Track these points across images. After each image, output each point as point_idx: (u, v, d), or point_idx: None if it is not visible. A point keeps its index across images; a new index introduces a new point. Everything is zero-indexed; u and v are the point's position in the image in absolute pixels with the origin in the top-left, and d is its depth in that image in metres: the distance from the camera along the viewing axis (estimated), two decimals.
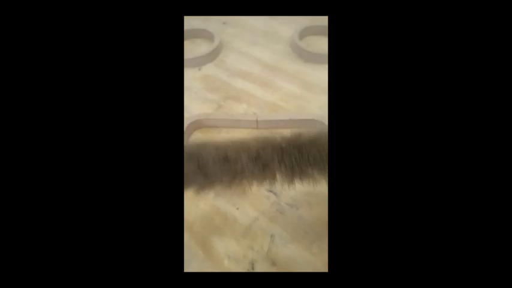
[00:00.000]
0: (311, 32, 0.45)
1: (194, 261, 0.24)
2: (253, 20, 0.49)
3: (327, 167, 0.17)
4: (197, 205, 0.27)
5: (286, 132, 0.18)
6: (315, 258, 0.23)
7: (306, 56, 0.40)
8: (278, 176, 0.18)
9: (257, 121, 0.32)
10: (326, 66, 0.40)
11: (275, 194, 0.27)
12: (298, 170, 0.17)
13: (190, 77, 0.39)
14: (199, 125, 0.32)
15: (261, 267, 0.23)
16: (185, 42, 0.46)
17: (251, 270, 0.23)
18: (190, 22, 0.49)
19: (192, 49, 0.44)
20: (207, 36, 0.45)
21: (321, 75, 0.39)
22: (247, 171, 0.17)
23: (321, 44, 0.44)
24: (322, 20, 0.46)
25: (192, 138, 0.32)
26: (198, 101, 0.36)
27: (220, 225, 0.26)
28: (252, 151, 0.17)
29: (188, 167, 0.17)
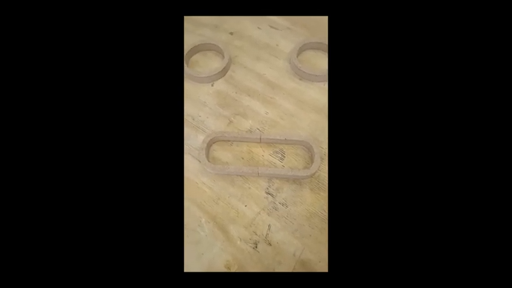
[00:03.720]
0: (309, 47, 0.52)
1: (218, 242, 0.36)
2: (257, 31, 0.55)
3: None
4: (217, 203, 0.39)
5: None
6: (296, 241, 0.36)
7: (301, 74, 0.48)
8: None
9: (260, 138, 0.42)
10: (318, 85, 0.48)
11: (272, 195, 0.39)
12: None
13: (205, 92, 0.48)
14: (216, 139, 0.42)
15: (261, 247, 0.35)
16: (197, 55, 0.52)
17: (255, 248, 0.35)
18: (201, 32, 0.55)
19: (204, 63, 0.51)
20: (217, 49, 0.52)
21: (313, 93, 0.47)
22: None
23: (317, 60, 0.51)
24: (319, 36, 0.52)
25: (211, 149, 0.42)
26: (213, 117, 0.45)
27: (234, 217, 0.38)
28: None
29: None
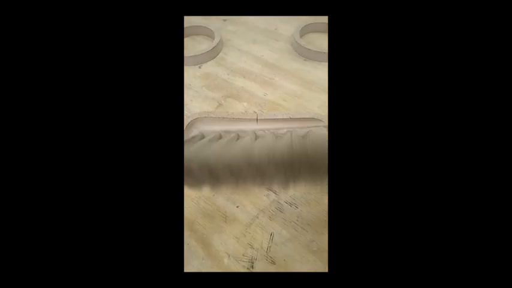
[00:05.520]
0: (311, 29, 0.45)
1: (194, 260, 0.24)
2: (253, 17, 0.49)
3: (319, 182, 0.19)
4: (198, 203, 0.27)
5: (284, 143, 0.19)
6: (314, 257, 0.23)
7: (307, 54, 0.40)
8: (275, 185, 0.21)
9: (257, 119, 0.32)
10: (326, 65, 0.40)
11: (275, 192, 0.28)
12: (292, 183, 0.20)
13: (191, 75, 0.39)
14: (199, 122, 0.32)
15: (261, 266, 0.23)
16: (185, 39, 0.45)
17: (251, 269, 0.23)
18: (191, 19, 0.48)
19: (192, 46, 0.44)
20: (208, 33, 0.45)
21: (321, 73, 0.39)
22: (249, 181, 0.20)
23: (322, 42, 0.44)
24: (323, 17, 0.45)
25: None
26: (198, 100, 0.36)
27: (220, 224, 0.26)
28: (254, 164, 0.19)
29: (202, 173, 0.20)
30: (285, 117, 0.31)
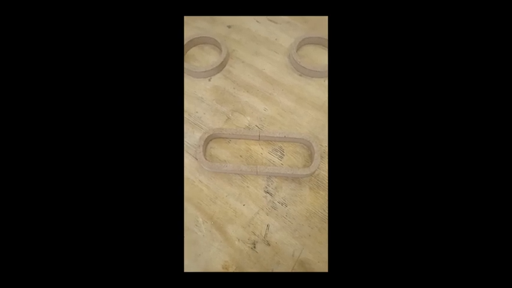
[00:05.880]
0: (308, 42, 0.50)
1: (215, 242, 0.35)
2: (255, 24, 0.53)
3: None
4: (215, 202, 0.38)
5: None
6: (296, 241, 0.35)
7: (301, 70, 0.47)
8: None
9: (259, 136, 0.41)
10: (318, 81, 0.47)
11: (271, 194, 0.38)
12: None
13: (202, 87, 0.46)
14: (214, 136, 0.41)
15: (260, 247, 0.35)
16: (194, 48, 0.51)
17: (253, 249, 0.35)
18: (198, 25, 0.53)
19: (202, 57, 0.50)
20: (215, 43, 0.50)
21: (312, 89, 0.46)
22: None
23: (317, 55, 0.50)
24: (320, 31, 0.50)
25: (208, 146, 0.41)
26: (210, 113, 0.44)
27: (232, 217, 0.37)
28: None
29: None
30: (281, 135, 0.40)
